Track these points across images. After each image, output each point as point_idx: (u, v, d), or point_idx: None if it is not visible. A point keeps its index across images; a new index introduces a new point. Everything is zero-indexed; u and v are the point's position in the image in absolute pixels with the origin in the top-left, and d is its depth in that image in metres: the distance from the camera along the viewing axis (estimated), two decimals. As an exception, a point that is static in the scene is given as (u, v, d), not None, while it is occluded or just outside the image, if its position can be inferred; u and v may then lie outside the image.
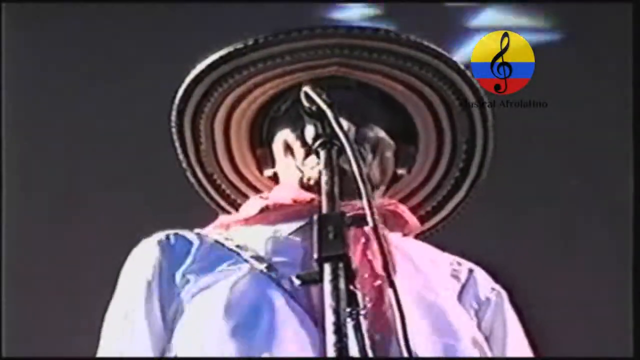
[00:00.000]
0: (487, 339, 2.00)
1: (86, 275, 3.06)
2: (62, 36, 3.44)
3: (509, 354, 2.02)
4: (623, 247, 3.16)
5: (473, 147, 2.24)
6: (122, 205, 3.26)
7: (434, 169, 2.26)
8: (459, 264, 2.12)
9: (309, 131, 1.88)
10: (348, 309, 1.53)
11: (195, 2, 3.49)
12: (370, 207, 1.61)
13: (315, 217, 1.61)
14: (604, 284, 3.24)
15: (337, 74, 2.15)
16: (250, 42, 2.11)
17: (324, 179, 1.71)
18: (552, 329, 2.64)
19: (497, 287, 2.11)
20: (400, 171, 2.19)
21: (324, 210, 1.65)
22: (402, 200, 2.21)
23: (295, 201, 2.04)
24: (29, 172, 3.31)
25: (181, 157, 2.26)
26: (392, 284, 1.62)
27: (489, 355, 1.95)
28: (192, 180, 2.29)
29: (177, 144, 2.25)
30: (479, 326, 2.01)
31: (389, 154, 2.14)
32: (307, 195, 2.03)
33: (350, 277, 1.54)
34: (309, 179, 2.06)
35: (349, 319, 1.53)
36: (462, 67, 2.16)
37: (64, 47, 3.43)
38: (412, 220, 2.13)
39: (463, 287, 2.06)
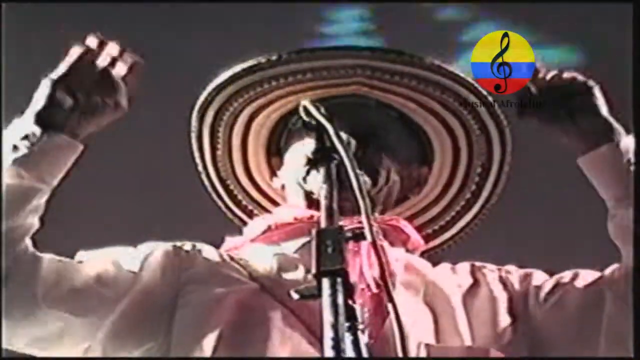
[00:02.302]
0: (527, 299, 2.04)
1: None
2: (63, 37, 3.44)
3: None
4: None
5: (488, 170, 2.26)
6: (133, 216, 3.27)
7: (446, 190, 2.28)
8: (458, 267, 2.14)
9: (309, 145, 1.89)
10: (347, 324, 1.52)
11: (194, 2, 3.48)
12: (369, 221, 1.62)
13: (313, 231, 1.61)
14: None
15: (358, 92, 2.17)
16: (274, 57, 2.12)
17: (322, 193, 1.72)
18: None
19: (503, 268, 2.14)
20: (410, 194, 2.21)
21: (323, 224, 1.65)
22: (410, 218, 2.23)
23: (296, 219, 2.07)
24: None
25: (197, 160, 2.30)
26: (389, 296, 1.62)
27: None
28: (206, 182, 2.31)
29: (194, 147, 2.29)
30: (513, 303, 2.04)
31: (396, 178, 2.15)
32: (308, 213, 2.05)
33: (349, 291, 1.54)
34: (312, 193, 2.07)
35: (347, 334, 1.52)
36: (484, 92, 2.17)
37: (65, 48, 3.43)
38: (414, 235, 2.14)
39: (472, 285, 2.07)
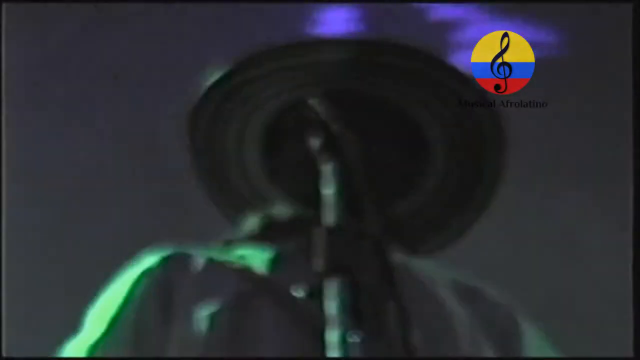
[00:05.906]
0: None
1: (88, 279, 3.07)
2: (63, 36, 3.45)
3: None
4: (623, 246, 3.17)
5: (482, 170, 2.18)
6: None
7: (438, 192, 2.24)
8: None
9: (315, 143, 1.88)
10: (353, 323, 1.51)
11: (192, 1, 3.49)
12: (374, 217, 1.61)
13: (322, 230, 1.60)
14: (604, 283, 3.26)
15: (350, 87, 2.10)
16: (256, 56, 2.07)
17: (329, 191, 1.70)
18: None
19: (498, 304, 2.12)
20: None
21: (329, 222, 1.63)
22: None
23: (294, 219, 2.04)
24: (30, 175, 3.32)
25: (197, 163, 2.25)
26: (394, 292, 1.61)
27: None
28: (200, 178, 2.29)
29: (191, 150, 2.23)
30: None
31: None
32: (307, 213, 2.02)
33: (356, 290, 1.53)
34: (305, 195, 2.05)
35: (353, 334, 1.51)
36: (479, 86, 2.12)
37: (65, 47, 3.43)
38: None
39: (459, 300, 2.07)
